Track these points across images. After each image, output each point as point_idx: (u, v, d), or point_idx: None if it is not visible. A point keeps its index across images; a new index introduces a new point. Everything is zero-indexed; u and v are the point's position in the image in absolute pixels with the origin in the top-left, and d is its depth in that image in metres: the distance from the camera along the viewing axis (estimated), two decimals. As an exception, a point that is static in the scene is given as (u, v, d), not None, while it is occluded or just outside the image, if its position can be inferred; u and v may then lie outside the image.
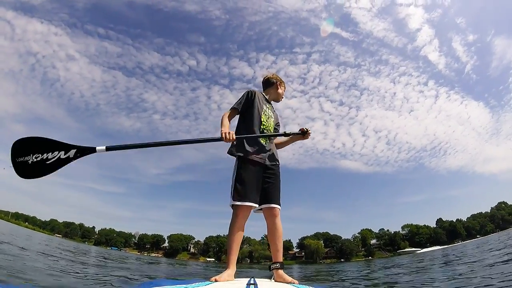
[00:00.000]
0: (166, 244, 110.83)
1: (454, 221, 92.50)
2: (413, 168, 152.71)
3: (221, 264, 63.93)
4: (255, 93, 3.14)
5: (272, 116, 3.21)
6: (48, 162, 2.10)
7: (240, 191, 2.68)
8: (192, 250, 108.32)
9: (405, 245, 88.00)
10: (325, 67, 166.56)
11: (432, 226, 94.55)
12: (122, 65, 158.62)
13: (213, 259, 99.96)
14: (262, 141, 2.98)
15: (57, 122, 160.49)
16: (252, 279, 2.60)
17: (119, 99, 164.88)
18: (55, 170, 2.14)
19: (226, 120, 2.90)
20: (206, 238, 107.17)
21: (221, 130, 2.73)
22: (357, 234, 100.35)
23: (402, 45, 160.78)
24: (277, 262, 2.74)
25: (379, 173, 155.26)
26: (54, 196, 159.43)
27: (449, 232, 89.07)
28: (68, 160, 2.21)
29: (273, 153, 3.05)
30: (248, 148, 2.87)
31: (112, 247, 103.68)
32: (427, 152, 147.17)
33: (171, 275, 9.48)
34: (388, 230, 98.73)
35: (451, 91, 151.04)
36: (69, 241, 72.92)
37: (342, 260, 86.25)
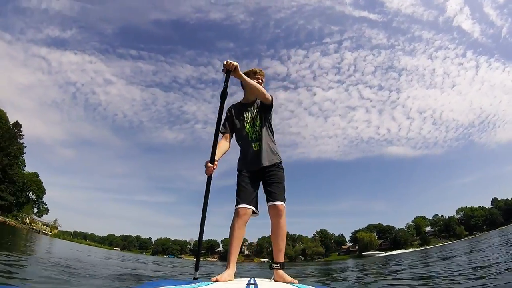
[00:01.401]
0: (220, 248, 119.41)
1: (510, 199, 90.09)
2: (463, 146, 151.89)
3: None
4: (230, 108, 3.30)
5: (257, 115, 3.22)
6: None
7: (237, 197, 2.89)
8: (246, 252, 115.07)
9: (461, 230, 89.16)
10: (359, 53, 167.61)
11: (487, 207, 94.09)
12: (158, 82, 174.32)
13: (267, 260, 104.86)
14: (254, 148, 3.09)
15: (104, 142, 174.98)
16: (252, 279, 2.66)
17: (160, 114, 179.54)
18: None
19: (219, 149, 3.06)
20: (259, 239, 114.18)
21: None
22: (411, 223, 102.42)
23: (433, 18, 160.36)
24: (278, 262, 2.81)
25: (428, 156, 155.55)
26: (109, 212, 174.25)
27: (505, 211, 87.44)
28: None
29: (269, 153, 3.09)
30: (242, 162, 3.11)
31: (169, 255, 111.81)
32: (475, 127, 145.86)
33: (172, 275, 9.66)
34: (442, 216, 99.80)
35: (491, 59, 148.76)
36: (127, 253, 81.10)
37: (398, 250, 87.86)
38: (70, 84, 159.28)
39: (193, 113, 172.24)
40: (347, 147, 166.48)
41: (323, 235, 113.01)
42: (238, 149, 3.25)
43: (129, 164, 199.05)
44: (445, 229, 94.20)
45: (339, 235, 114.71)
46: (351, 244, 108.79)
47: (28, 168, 59.78)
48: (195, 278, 2.74)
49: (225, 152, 3.17)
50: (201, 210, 2.89)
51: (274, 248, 2.94)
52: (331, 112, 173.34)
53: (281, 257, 2.86)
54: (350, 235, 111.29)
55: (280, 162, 3.15)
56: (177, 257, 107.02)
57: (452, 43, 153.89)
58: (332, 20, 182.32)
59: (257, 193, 2.99)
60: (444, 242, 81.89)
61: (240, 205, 2.82)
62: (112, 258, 15.90)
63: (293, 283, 2.53)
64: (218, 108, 2.94)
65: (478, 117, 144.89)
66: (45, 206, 66.92)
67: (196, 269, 2.85)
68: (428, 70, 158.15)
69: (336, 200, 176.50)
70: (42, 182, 63.33)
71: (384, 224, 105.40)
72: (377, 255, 76.79)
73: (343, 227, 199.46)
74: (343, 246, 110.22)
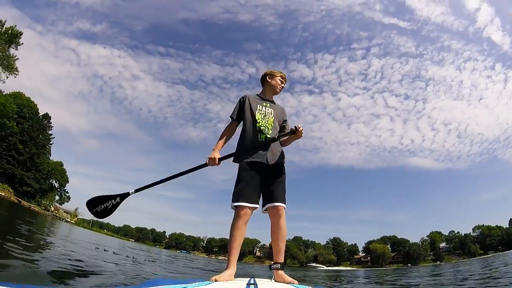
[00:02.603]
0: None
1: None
2: (487, 162, 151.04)
3: (286, 267, 67.69)
4: (246, 97, 3.32)
5: (272, 113, 3.26)
6: (108, 208, 3.21)
7: (238, 193, 2.85)
8: (257, 253, 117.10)
9: (476, 248, 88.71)
10: (386, 60, 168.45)
11: (505, 227, 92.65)
12: (185, 79, 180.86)
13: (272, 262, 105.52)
14: (260, 138, 3.07)
15: (128, 136, 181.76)
16: (252, 279, 2.69)
17: (184, 111, 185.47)
18: (113, 211, 3.27)
19: (221, 141, 3.19)
20: (270, 242, 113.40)
21: (210, 155, 3.09)
22: (426, 237, 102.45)
23: (463, 28, 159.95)
24: (278, 263, 2.82)
25: (451, 169, 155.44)
26: (127, 204, 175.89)
27: None
28: (117, 204, 3.24)
29: (275, 151, 3.09)
30: (247, 151, 3.04)
31: (182, 250, 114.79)
32: (500, 143, 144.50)
33: (172, 275, 9.74)
34: (458, 232, 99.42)
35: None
36: (140, 244, 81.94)
37: (409, 265, 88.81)
38: (98, 77, 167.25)
39: (216, 112, 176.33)
40: (369, 155, 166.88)
41: (336, 243, 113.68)
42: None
43: (151, 159, 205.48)
44: (460, 246, 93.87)
45: (352, 244, 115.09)
46: (363, 254, 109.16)
47: (54, 157, 63.81)
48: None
49: (231, 134, 3.30)
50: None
51: (274, 248, 2.97)
52: (355, 118, 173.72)
53: (281, 258, 2.88)
54: (364, 245, 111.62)
55: (284, 163, 3.16)
56: (189, 253, 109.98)
57: (481, 55, 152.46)
58: (361, 25, 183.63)
59: (259, 189, 2.95)
60: (457, 260, 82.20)
61: (242, 204, 2.78)
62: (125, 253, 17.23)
63: (293, 283, 2.58)
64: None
65: (504, 132, 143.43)
66: (67, 194, 70.77)
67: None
68: (455, 81, 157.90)
69: (353, 208, 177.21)
70: (66, 171, 67.19)
71: (399, 237, 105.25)
72: (319, 268, 77.35)
73: (357, 236, 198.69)
74: (355, 256, 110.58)
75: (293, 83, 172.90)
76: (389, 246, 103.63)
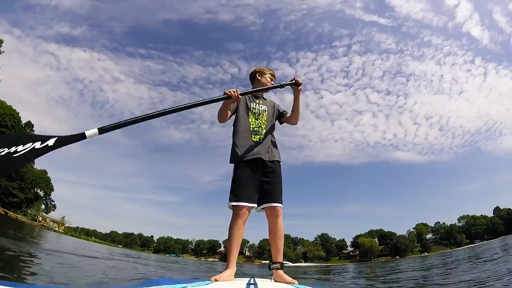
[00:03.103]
0: (222, 249, 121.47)
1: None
2: (469, 153, 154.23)
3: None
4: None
5: (266, 110, 3.27)
6: (16, 155, 1.89)
7: (235, 192, 2.82)
8: (247, 253, 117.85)
9: (462, 238, 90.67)
10: (367, 57, 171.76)
11: (489, 216, 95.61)
12: (167, 81, 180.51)
13: (268, 262, 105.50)
14: (254, 139, 3.07)
15: (111, 140, 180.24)
16: (252, 279, 2.68)
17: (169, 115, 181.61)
18: (29, 160, 2.02)
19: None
20: (260, 240, 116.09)
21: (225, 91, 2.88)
22: (412, 229, 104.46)
23: (443, 24, 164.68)
24: (277, 262, 2.80)
25: (434, 162, 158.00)
26: (114, 210, 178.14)
27: (507, 221, 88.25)
28: (47, 149, 2.02)
29: (270, 149, 3.09)
30: (240, 151, 3.00)
31: (171, 254, 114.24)
32: (482, 134, 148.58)
33: (172, 275, 9.60)
34: (444, 223, 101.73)
35: (499, 67, 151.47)
36: (129, 250, 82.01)
37: (397, 257, 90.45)
38: (78, 81, 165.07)
39: (200, 113, 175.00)
40: (353, 151, 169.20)
41: (324, 239, 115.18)
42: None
43: (136, 163, 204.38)
44: (446, 236, 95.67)
45: (340, 239, 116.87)
46: (352, 249, 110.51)
47: (37, 165, 62.94)
48: None
49: (224, 119, 3.12)
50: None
51: (273, 248, 2.96)
52: (338, 115, 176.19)
53: (280, 257, 2.87)
54: (352, 239, 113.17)
55: (279, 162, 3.15)
56: (178, 256, 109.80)
57: (461, 50, 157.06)
58: (342, 23, 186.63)
59: (257, 189, 2.93)
60: (444, 250, 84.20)
61: (240, 203, 2.76)
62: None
63: (293, 283, 2.57)
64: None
65: (485, 124, 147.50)
66: (53, 203, 70.04)
67: None
68: (436, 76, 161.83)
69: (340, 204, 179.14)
70: (50, 179, 66.50)
71: (386, 230, 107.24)
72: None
73: (345, 231, 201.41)
74: (344, 251, 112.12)
75: (276, 82, 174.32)
76: (376, 239, 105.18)
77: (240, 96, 2.95)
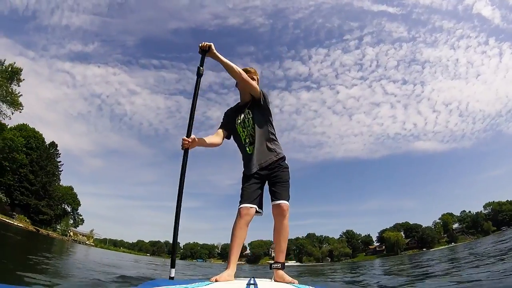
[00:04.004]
0: (248, 251, 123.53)
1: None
2: (491, 137, 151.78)
3: (302, 266, 68.82)
4: (227, 112, 3.40)
5: (250, 114, 3.20)
6: None
7: (240, 196, 2.93)
8: (273, 254, 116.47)
9: (488, 226, 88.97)
10: (380, 48, 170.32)
11: None
12: (182, 89, 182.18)
13: (294, 261, 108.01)
14: (249, 151, 3.13)
15: (131, 151, 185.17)
16: (252, 279, 2.71)
17: (185, 121, 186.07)
18: None
19: (208, 138, 3.20)
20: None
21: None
22: (438, 220, 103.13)
23: (452, 7, 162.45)
24: (279, 262, 2.85)
25: (456, 149, 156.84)
26: (138, 219, 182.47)
27: None
28: None
29: (266, 153, 3.09)
30: (244, 165, 3.16)
31: (198, 259, 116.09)
32: (503, 117, 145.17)
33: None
34: (470, 212, 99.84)
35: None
36: (156, 258, 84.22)
37: (424, 249, 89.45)
38: (95, 96, 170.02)
39: (217, 118, 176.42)
40: (373, 144, 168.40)
41: (349, 236, 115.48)
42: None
43: (156, 172, 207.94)
44: (473, 225, 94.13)
45: (366, 235, 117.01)
46: (378, 244, 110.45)
47: (62, 181, 65.92)
48: (171, 278, 2.74)
49: (213, 145, 3.24)
50: (177, 190, 2.91)
51: (276, 248, 2.95)
52: (355, 109, 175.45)
53: (282, 258, 2.88)
54: (377, 234, 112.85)
55: (280, 159, 3.12)
56: (205, 261, 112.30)
57: (474, 31, 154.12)
58: (351, 16, 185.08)
59: (261, 193, 2.99)
60: (471, 239, 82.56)
61: (242, 205, 2.84)
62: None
63: (293, 283, 2.58)
64: (195, 84, 3.04)
65: (505, 106, 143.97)
66: (81, 217, 73.55)
67: (172, 266, 2.78)
68: (451, 61, 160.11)
69: (363, 200, 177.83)
70: (76, 195, 69.82)
71: (411, 223, 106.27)
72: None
73: (370, 226, 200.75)
74: (370, 246, 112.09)
75: (290, 80, 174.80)
76: (402, 233, 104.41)
77: (191, 137, 3.00)
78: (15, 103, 40.19)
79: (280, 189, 2.96)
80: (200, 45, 3.12)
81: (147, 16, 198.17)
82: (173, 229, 2.90)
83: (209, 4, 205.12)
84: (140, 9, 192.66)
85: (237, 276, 2.83)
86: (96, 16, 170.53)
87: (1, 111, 40.08)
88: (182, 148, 3.01)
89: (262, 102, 3.19)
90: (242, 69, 3.22)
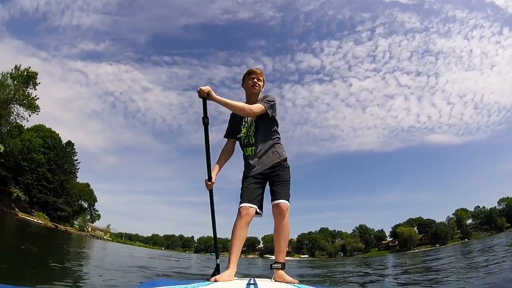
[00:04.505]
0: (261, 245, 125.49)
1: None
2: (507, 130, 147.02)
3: (314, 260, 69.59)
4: (233, 113, 3.34)
5: (254, 119, 3.21)
6: None
7: (240, 196, 2.95)
8: (287, 249, 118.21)
9: (502, 222, 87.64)
10: (393, 39, 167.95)
11: None
12: (194, 85, 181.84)
13: (307, 256, 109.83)
14: (248, 152, 3.17)
15: (145, 147, 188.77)
16: (252, 279, 2.70)
17: (198, 117, 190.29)
18: None
19: (216, 165, 3.29)
20: (298, 235, 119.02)
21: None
22: (452, 216, 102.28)
23: None
24: (279, 262, 2.83)
25: (472, 142, 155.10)
26: (153, 213, 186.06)
27: None
28: None
29: (266, 155, 3.11)
30: (245, 166, 3.18)
31: (211, 253, 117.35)
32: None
33: (172, 275, 9.86)
34: (484, 207, 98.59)
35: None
36: (170, 251, 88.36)
37: (437, 245, 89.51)
38: (109, 94, 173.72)
39: (229, 112, 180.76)
40: (387, 137, 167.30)
41: (362, 231, 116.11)
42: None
43: (171, 167, 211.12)
44: (487, 221, 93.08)
45: (379, 230, 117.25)
46: (391, 239, 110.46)
47: (79, 178, 68.37)
48: (217, 265, 3.31)
49: (228, 159, 3.37)
50: (211, 221, 3.34)
51: (276, 248, 2.94)
52: (369, 102, 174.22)
53: (282, 258, 2.88)
54: (390, 229, 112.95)
55: (282, 161, 3.12)
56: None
57: (487, 21, 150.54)
58: (362, 7, 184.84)
59: (261, 194, 3.00)
60: (484, 235, 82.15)
61: (242, 205, 2.85)
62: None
63: (293, 283, 2.59)
64: (204, 133, 2.98)
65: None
66: (97, 213, 76.18)
67: (217, 257, 3.43)
68: (465, 52, 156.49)
69: (377, 193, 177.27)
70: (93, 191, 72.32)
71: (425, 218, 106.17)
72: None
73: (383, 221, 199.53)
74: (383, 241, 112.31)
75: (302, 73, 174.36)
76: (415, 228, 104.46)
77: (212, 181, 3.13)
78: (32, 106, 42.06)
79: (279, 189, 2.96)
80: (198, 90, 2.94)
81: (157, 13, 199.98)
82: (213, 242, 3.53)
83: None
84: (149, 6, 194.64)
85: (237, 276, 2.85)
86: (106, 15, 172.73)
87: (19, 114, 41.99)
88: (207, 189, 3.20)
89: (270, 115, 3.17)
90: (248, 70, 3.38)
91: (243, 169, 3.20)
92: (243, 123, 3.26)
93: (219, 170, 3.27)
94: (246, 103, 3.23)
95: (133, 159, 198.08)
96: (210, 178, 3.11)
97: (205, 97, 2.83)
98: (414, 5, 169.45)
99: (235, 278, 2.71)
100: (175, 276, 9.15)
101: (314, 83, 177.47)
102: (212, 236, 3.55)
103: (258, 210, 2.95)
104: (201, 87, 2.80)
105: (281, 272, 2.82)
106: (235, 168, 3.14)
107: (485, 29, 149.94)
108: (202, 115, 2.93)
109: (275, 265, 2.85)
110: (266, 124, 3.20)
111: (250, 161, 3.12)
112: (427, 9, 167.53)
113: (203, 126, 2.93)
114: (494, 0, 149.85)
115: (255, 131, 3.18)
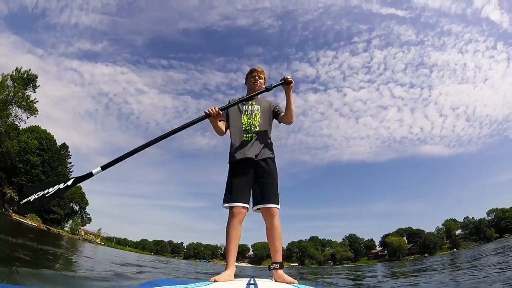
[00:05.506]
0: (251, 253, 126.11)
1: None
2: (498, 143, 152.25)
3: (304, 268, 71.20)
4: (229, 101, 3.37)
5: (258, 109, 3.32)
6: (48, 194, 2.60)
7: (228, 193, 2.95)
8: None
9: (491, 232, 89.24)
10: (388, 51, 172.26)
11: None
12: (189, 90, 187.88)
13: (297, 264, 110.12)
14: (246, 138, 3.16)
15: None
16: (252, 279, 2.69)
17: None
18: (55, 198, 2.70)
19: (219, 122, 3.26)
20: (288, 243, 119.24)
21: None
22: (441, 226, 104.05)
23: (461, 11, 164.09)
24: (277, 262, 2.84)
25: (463, 154, 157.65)
26: (142, 217, 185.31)
27: None
28: (67, 188, 2.73)
29: (261, 147, 3.14)
30: (233, 151, 3.14)
31: (200, 259, 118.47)
32: (510, 122, 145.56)
33: (171, 275, 9.56)
34: (473, 218, 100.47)
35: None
36: (159, 257, 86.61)
37: (426, 255, 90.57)
38: (103, 95, 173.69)
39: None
40: (380, 147, 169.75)
41: (352, 240, 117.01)
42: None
43: (162, 171, 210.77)
44: (476, 231, 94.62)
45: (368, 239, 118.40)
46: (380, 248, 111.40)
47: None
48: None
49: (219, 130, 3.28)
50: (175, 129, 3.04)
51: (271, 249, 2.97)
52: (362, 112, 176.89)
53: (278, 257, 2.89)
54: (380, 239, 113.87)
55: (273, 158, 3.18)
56: (208, 261, 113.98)
57: (482, 36, 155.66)
58: (359, 19, 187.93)
59: (250, 188, 3.03)
60: (473, 246, 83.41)
61: (235, 204, 2.87)
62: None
63: (293, 283, 2.59)
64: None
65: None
66: (88, 216, 76.36)
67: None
68: (459, 65, 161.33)
69: (367, 203, 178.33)
70: (85, 194, 72.63)
71: (414, 228, 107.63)
72: None
73: (373, 231, 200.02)
74: (372, 251, 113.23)
75: (298, 82, 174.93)
76: (405, 238, 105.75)
77: (220, 111, 3.10)
78: (31, 109, 42.68)
79: (269, 192, 3.00)
80: (285, 77, 3.21)
81: (157, 16, 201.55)
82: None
83: (219, 5, 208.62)
84: (149, 8, 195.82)
85: (236, 276, 2.87)
86: (105, 15, 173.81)
87: (17, 115, 42.59)
88: (206, 112, 3.07)
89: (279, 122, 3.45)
90: (251, 69, 3.55)
91: (230, 154, 3.20)
92: (242, 110, 3.36)
93: (216, 123, 3.23)
94: (246, 97, 3.44)
95: (125, 161, 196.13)
96: (220, 109, 3.15)
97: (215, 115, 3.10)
98: (411, 18, 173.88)
99: (235, 278, 2.76)
100: (175, 276, 9.19)
101: (309, 92, 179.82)
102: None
103: (247, 206, 3.00)
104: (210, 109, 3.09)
105: (280, 272, 2.85)
106: (225, 175, 3.17)
107: (480, 43, 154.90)
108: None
109: (274, 265, 2.88)
110: (268, 120, 3.37)
111: (245, 146, 3.13)
112: (424, 23, 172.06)
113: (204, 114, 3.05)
114: (490, 15, 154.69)
115: (258, 121, 3.29)
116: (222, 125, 3.28)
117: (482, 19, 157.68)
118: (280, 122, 3.41)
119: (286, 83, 3.20)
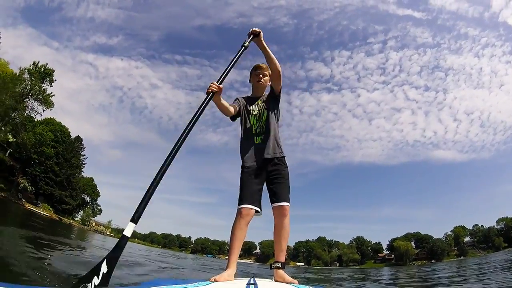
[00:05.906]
0: (258, 250, 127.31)
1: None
2: (511, 150, 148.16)
3: (310, 268, 72.29)
4: (238, 98, 3.43)
5: (264, 107, 3.33)
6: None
7: (240, 196, 2.95)
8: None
9: (499, 241, 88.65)
10: (404, 53, 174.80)
11: None
12: (203, 86, 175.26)
13: (303, 264, 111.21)
14: (256, 141, 3.20)
15: (150, 144, 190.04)
16: (252, 279, 2.72)
17: (205, 117, 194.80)
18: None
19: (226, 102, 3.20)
20: (295, 243, 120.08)
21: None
22: (450, 232, 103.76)
23: (478, 14, 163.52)
24: (279, 262, 2.86)
25: (475, 160, 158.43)
26: (152, 210, 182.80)
27: None
28: (108, 275, 2.00)
29: (273, 147, 3.16)
30: (244, 155, 3.17)
31: (208, 255, 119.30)
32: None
33: (171, 275, 9.85)
34: (482, 226, 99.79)
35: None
36: (167, 250, 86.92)
37: (433, 261, 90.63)
38: (117, 89, 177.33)
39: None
40: (392, 150, 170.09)
41: (360, 242, 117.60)
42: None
43: (173, 165, 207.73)
44: (484, 240, 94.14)
45: (376, 242, 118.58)
46: (387, 252, 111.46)
47: (86, 173, 69.87)
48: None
49: (226, 110, 3.20)
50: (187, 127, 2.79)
51: (276, 247, 2.98)
52: (375, 114, 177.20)
53: (282, 257, 2.91)
54: (388, 243, 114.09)
55: (283, 158, 3.19)
56: (215, 257, 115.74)
57: (499, 40, 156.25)
58: (376, 19, 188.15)
59: (261, 191, 3.03)
60: (481, 254, 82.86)
61: (244, 205, 2.86)
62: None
63: (293, 283, 2.60)
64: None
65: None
66: (99, 207, 77.83)
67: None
68: (475, 69, 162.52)
69: (377, 206, 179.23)
70: (96, 186, 74.17)
71: (423, 233, 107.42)
72: None
73: (382, 234, 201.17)
74: (380, 254, 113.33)
75: (311, 82, 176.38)
76: (413, 243, 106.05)
77: (220, 85, 3.04)
78: (47, 102, 43.82)
79: (282, 190, 3.02)
80: (251, 29, 3.40)
81: (173, 12, 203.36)
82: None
83: (235, 2, 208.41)
84: (165, 4, 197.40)
85: (237, 276, 2.87)
86: (121, 10, 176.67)
87: (33, 108, 43.84)
88: (207, 92, 2.98)
89: (279, 98, 3.39)
90: (254, 66, 3.60)
91: (243, 157, 3.19)
92: (250, 111, 3.35)
93: (221, 102, 3.16)
94: (252, 96, 3.52)
95: (137, 154, 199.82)
96: (220, 82, 3.13)
97: (256, 35, 3.39)
98: (428, 20, 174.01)
99: (235, 278, 2.77)
100: (175, 276, 9.34)
101: (322, 91, 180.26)
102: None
103: (258, 210, 2.98)
104: (255, 28, 3.34)
105: (281, 272, 2.85)
106: (235, 171, 3.19)
107: (497, 48, 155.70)
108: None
109: (275, 265, 2.89)
110: (275, 114, 3.36)
111: (257, 150, 3.16)
112: (440, 25, 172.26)
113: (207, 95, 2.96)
114: (507, 19, 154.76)
115: (266, 120, 3.28)
116: (227, 104, 3.23)
117: (499, 24, 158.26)
118: (275, 88, 3.39)
119: (255, 36, 3.41)
